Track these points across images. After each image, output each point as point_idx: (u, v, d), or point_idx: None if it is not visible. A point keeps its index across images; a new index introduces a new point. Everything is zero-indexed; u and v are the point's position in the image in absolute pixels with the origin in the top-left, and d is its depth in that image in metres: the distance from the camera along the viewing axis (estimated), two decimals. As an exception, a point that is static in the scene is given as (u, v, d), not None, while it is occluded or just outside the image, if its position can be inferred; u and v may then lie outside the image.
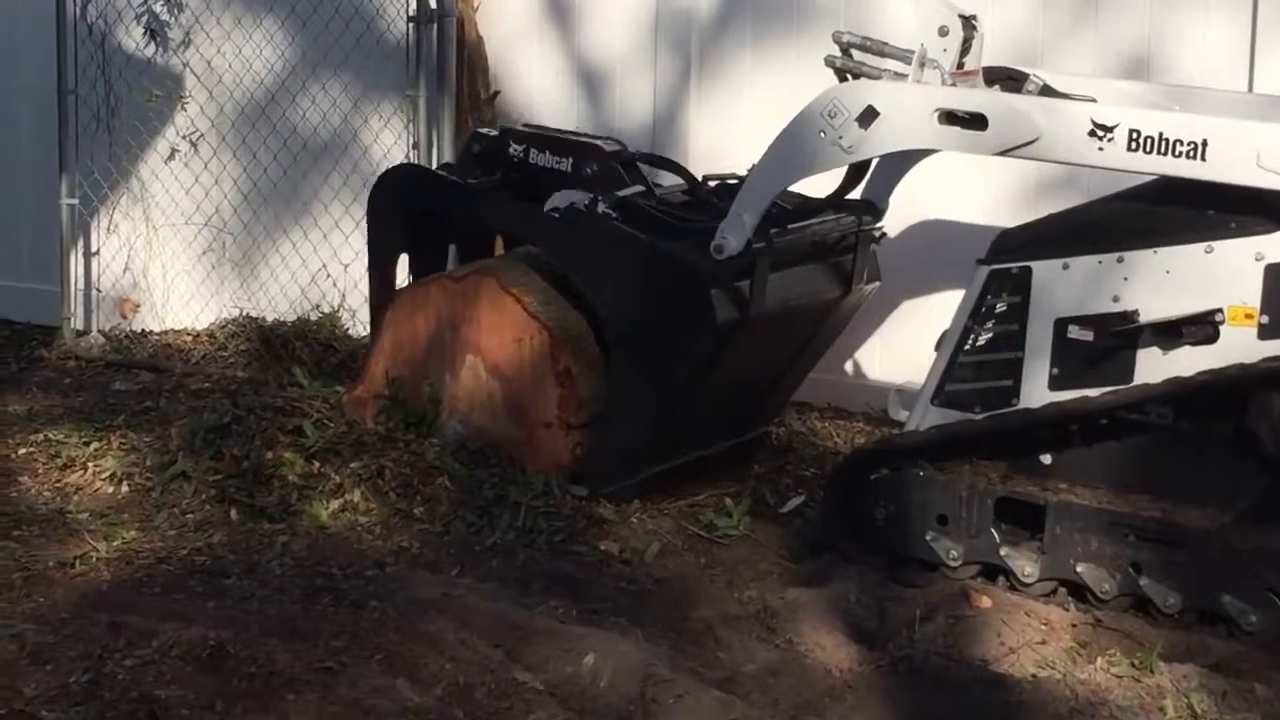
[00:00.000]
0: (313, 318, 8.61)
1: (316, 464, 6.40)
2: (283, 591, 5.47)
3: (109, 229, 9.12)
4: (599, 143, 6.76)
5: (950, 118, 5.62)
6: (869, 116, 5.71)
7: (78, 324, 9.02)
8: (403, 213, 7.06)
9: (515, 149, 6.79)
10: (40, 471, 6.75)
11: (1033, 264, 5.57)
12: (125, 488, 6.52)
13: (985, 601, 5.50)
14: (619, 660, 4.94)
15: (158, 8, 8.76)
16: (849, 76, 6.06)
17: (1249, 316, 5.26)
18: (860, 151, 5.82)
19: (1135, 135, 5.33)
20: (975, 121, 5.57)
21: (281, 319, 8.71)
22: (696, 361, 6.26)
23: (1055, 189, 7.09)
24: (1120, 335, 5.43)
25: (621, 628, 5.33)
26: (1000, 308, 5.62)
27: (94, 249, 9.14)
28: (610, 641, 5.10)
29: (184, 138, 8.96)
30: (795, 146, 5.90)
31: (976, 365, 5.68)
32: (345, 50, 8.50)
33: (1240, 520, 5.29)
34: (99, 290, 9.14)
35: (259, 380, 7.75)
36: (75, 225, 8.96)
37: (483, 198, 6.76)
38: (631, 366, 6.30)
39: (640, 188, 6.52)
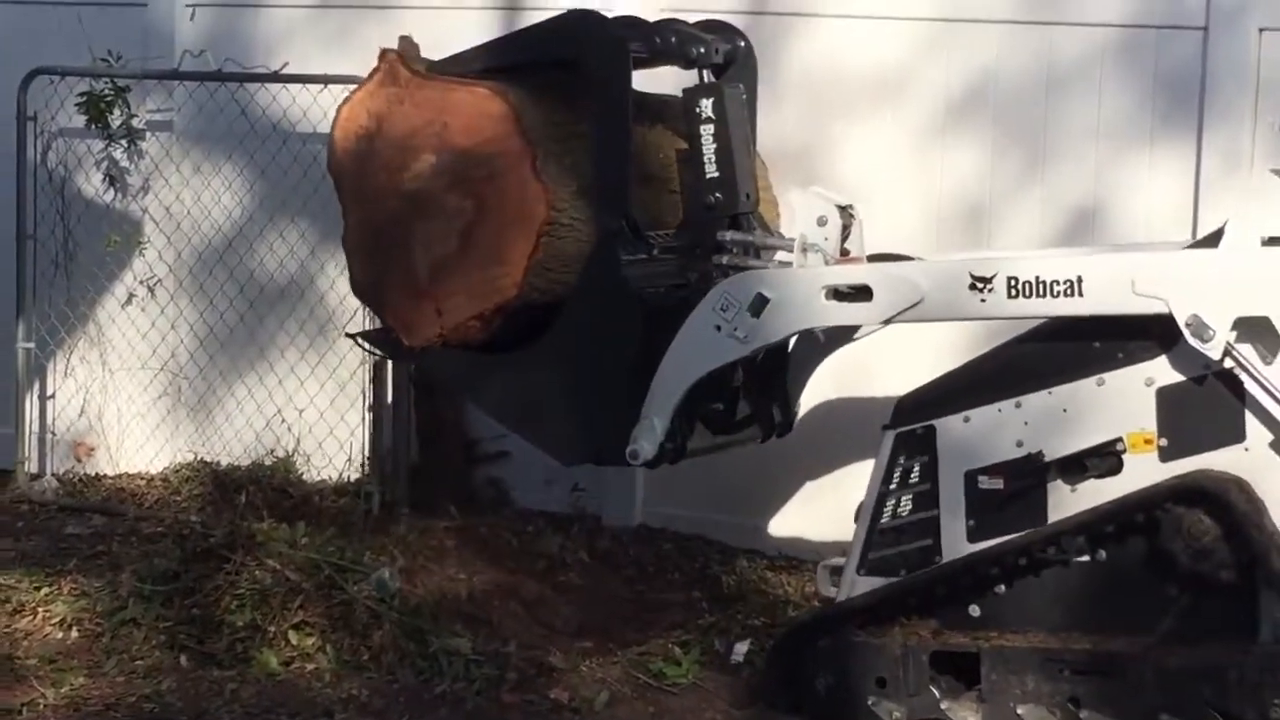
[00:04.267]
0: (267, 462, 8.62)
1: (266, 611, 6.38)
2: (231, 740, 5.47)
3: (65, 372, 9.13)
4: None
5: (837, 294, 5.72)
6: (760, 304, 5.77)
7: (32, 467, 9.01)
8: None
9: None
10: (-11, 616, 6.72)
11: (935, 422, 5.69)
12: (75, 633, 6.50)
13: (929, 754, 5.52)
14: (566, 810, 4.95)
15: (117, 154, 8.85)
16: (731, 272, 6.13)
17: (1148, 441, 5.37)
18: (756, 340, 5.85)
19: (1014, 282, 5.43)
20: (861, 294, 5.68)
21: (236, 463, 8.73)
22: None
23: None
24: (1028, 479, 5.53)
25: (570, 776, 5.33)
26: (910, 469, 5.73)
27: (50, 392, 9.15)
28: (558, 791, 5.11)
29: (141, 282, 8.99)
30: (693, 345, 5.91)
31: (896, 530, 5.76)
32: (303, 197, 8.52)
33: (1167, 640, 5.34)
34: (54, 434, 9.14)
35: (211, 525, 7.74)
36: (31, 369, 8.97)
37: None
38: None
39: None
